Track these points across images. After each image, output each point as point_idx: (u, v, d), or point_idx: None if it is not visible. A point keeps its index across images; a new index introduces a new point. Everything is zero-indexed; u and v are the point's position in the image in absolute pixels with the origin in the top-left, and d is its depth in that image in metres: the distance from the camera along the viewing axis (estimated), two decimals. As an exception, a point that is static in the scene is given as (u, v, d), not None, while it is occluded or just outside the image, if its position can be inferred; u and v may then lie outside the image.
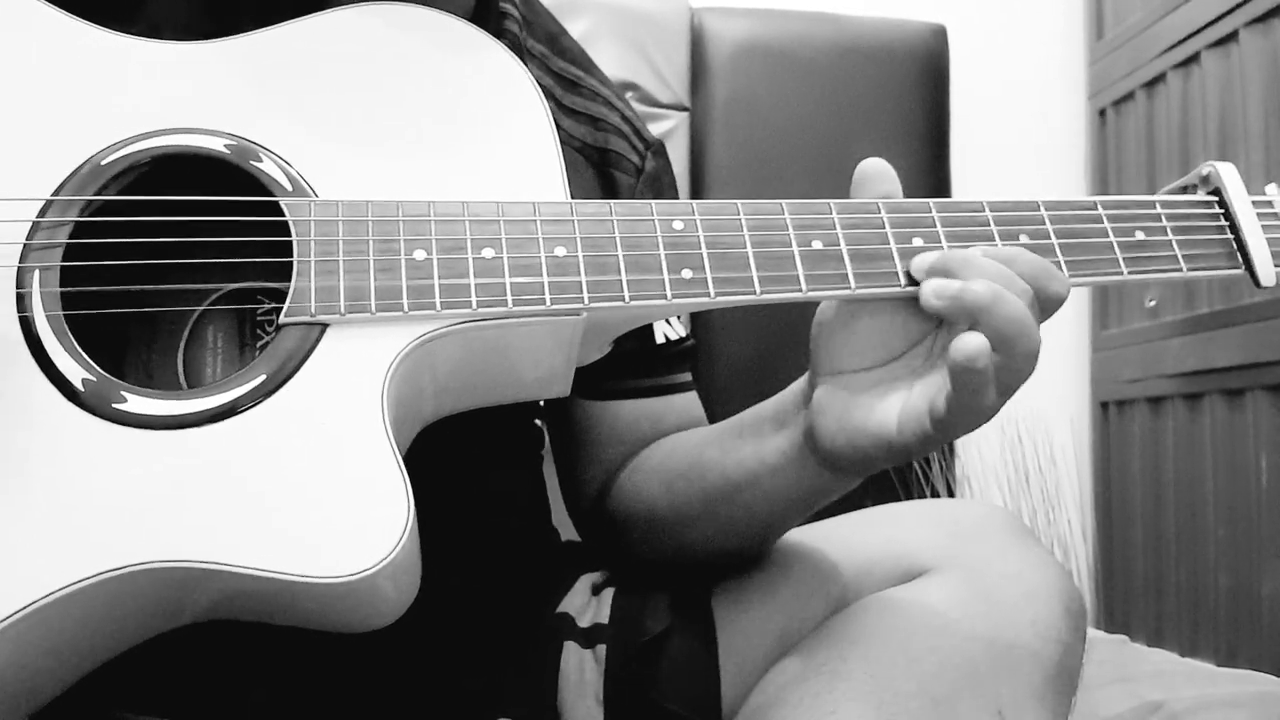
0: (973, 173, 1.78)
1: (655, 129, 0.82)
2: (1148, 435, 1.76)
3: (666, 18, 1.62)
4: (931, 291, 0.55)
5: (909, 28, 1.70)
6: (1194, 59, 1.68)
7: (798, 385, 0.64)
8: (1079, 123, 1.98)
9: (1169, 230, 0.63)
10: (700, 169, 1.59)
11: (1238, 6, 1.56)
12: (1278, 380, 1.47)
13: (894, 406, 0.56)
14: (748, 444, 0.66)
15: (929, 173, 1.65)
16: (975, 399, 0.53)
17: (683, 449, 0.74)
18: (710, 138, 1.60)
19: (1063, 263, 0.60)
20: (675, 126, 1.60)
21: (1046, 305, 0.56)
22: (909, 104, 1.66)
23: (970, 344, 0.51)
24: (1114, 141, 1.90)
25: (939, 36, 1.69)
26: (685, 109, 1.62)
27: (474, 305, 0.54)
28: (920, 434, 0.55)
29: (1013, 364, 0.53)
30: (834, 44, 1.66)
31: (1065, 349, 1.91)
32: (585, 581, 0.78)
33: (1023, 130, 1.94)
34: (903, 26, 1.70)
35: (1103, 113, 1.93)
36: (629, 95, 0.84)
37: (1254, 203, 0.65)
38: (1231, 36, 1.59)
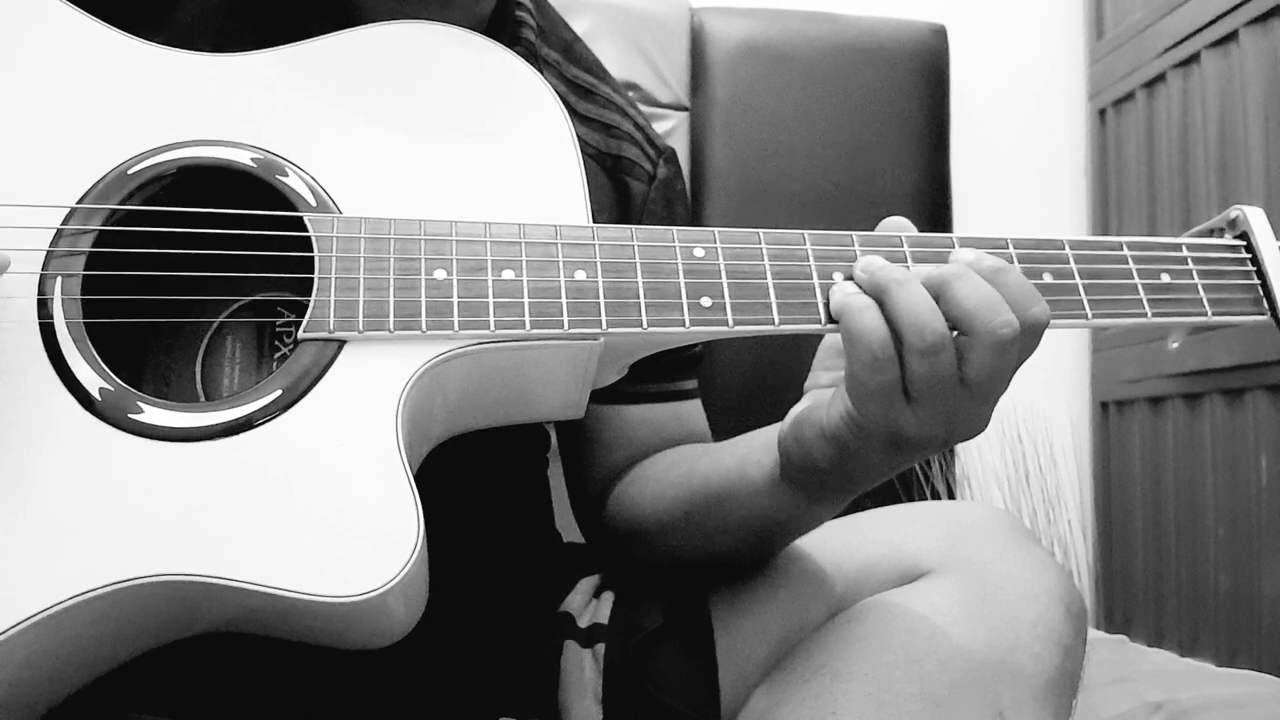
0: (973, 173, 1.77)
1: (655, 129, 0.83)
2: (1148, 435, 1.76)
3: (666, 17, 1.62)
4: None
5: (909, 28, 1.70)
6: (1194, 59, 1.68)
7: None
8: (1079, 123, 1.97)
9: (1195, 274, 0.62)
10: (700, 169, 1.59)
11: (1238, 6, 1.56)
12: (1278, 380, 1.47)
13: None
14: (734, 459, 0.67)
15: (929, 173, 1.65)
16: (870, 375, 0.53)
17: (681, 463, 0.74)
18: (710, 138, 1.60)
19: (1086, 302, 0.59)
20: (675, 126, 1.60)
21: (1030, 330, 0.54)
22: (909, 104, 1.66)
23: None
24: (1114, 141, 1.90)
25: (939, 36, 1.69)
26: (685, 109, 1.61)
27: (492, 327, 0.54)
28: (846, 413, 0.55)
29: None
30: (834, 44, 1.65)
31: (1065, 349, 1.91)
32: (587, 583, 0.78)
33: (1023, 130, 1.94)
34: (903, 26, 1.70)
35: (1103, 113, 1.93)
36: (629, 95, 0.86)
37: None
38: (1231, 36, 1.59)
